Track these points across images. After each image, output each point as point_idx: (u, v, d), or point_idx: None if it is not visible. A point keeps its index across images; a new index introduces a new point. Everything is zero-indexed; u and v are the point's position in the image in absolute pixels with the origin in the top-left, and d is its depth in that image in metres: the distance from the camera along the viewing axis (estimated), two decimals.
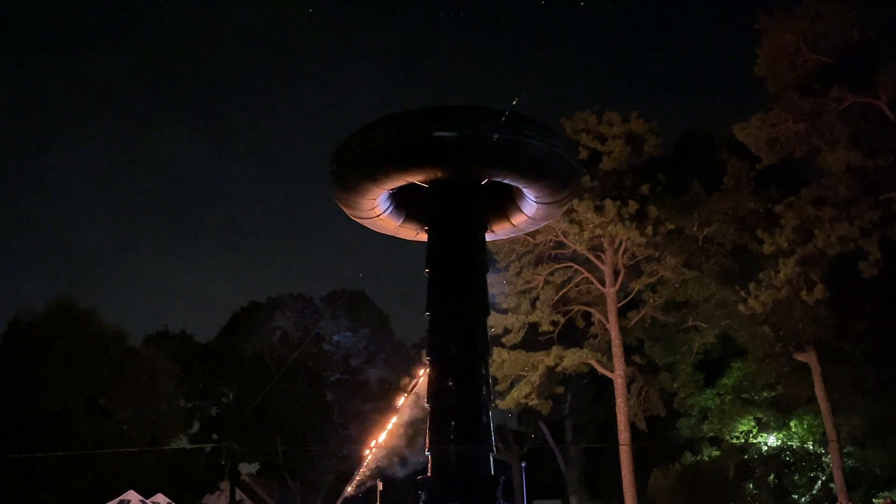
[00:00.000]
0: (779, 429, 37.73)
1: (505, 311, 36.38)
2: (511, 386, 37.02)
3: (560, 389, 40.68)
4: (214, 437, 53.31)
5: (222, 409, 58.45)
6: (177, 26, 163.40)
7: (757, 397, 37.70)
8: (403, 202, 16.91)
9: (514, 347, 36.11)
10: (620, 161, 34.95)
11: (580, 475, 53.92)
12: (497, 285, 35.48)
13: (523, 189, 16.34)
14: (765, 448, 38.25)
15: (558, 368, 36.34)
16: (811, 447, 37.32)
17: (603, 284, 35.98)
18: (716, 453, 38.86)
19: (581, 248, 34.82)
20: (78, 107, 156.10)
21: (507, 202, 17.07)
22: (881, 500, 34.93)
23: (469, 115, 14.98)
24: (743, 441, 38.27)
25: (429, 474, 15.01)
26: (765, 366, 36.43)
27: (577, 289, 37.18)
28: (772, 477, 37.75)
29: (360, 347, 61.37)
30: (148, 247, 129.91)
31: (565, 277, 36.66)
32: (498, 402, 36.22)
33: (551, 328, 36.54)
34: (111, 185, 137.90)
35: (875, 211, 27.51)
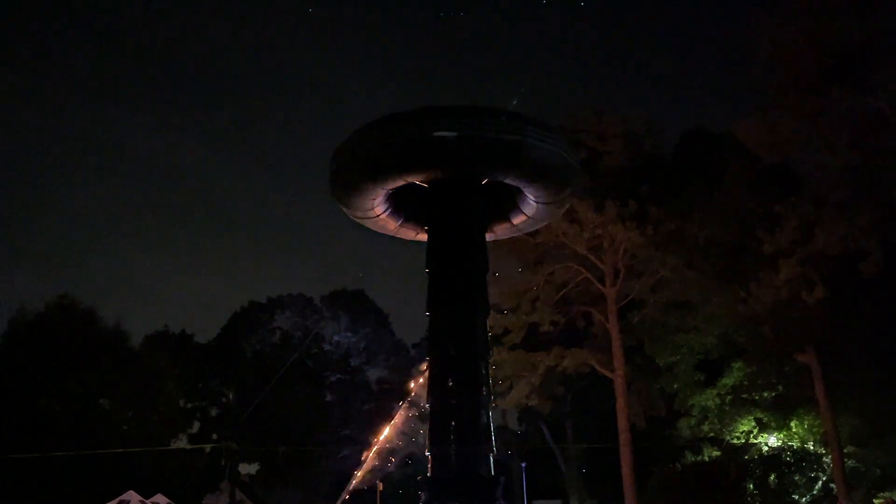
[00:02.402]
0: (779, 429, 37.73)
1: (505, 311, 36.38)
2: (511, 386, 37.04)
3: (560, 389, 40.70)
4: (214, 437, 53.35)
5: (222, 409, 58.51)
6: (176, 26, 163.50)
7: (757, 397, 37.69)
8: (403, 202, 16.89)
9: (514, 347, 36.12)
10: (620, 161, 34.97)
11: (580, 475, 53.94)
12: (497, 285, 35.51)
13: (523, 189, 16.33)
14: (765, 448, 38.26)
15: (558, 368, 36.35)
16: (811, 447, 37.32)
17: (603, 284, 35.98)
18: (716, 453, 38.87)
19: (581, 248, 34.82)
20: (78, 106, 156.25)
21: (507, 202, 17.05)
22: (881, 500, 34.94)
23: (469, 115, 14.96)
24: (743, 441, 38.27)
25: (429, 474, 15.01)
26: (765, 366, 36.43)
27: (577, 289, 37.17)
28: (772, 477, 37.75)
29: (360, 347, 61.50)
30: (147, 247, 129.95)
31: (565, 277, 36.66)
32: (498, 402, 36.22)
33: (551, 328, 36.55)
34: (110, 186, 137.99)
35: (875, 211, 27.50)
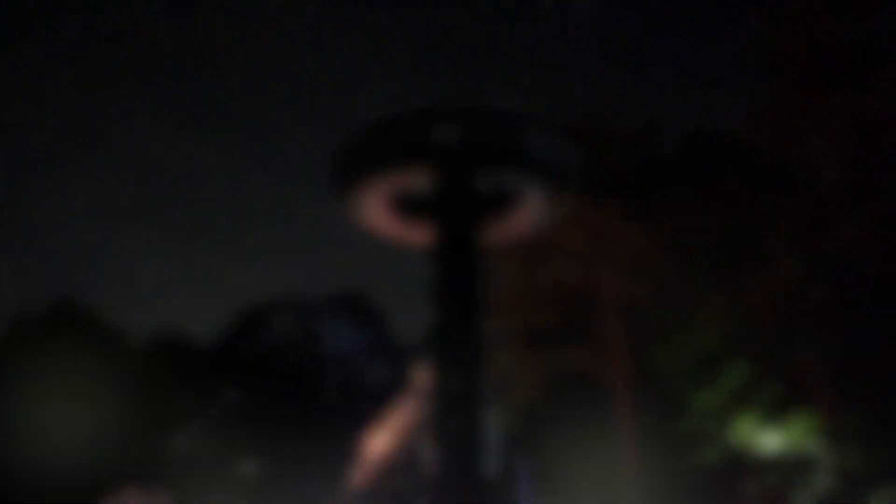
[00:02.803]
0: (779, 429, 37.69)
1: (505, 312, 36.34)
2: (511, 386, 36.99)
3: (560, 389, 40.63)
4: (214, 437, 53.34)
5: (222, 409, 58.43)
6: (176, 26, 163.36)
7: (757, 397, 37.65)
8: (403, 202, 16.92)
9: (514, 347, 36.09)
10: (620, 161, 34.96)
11: (580, 475, 53.83)
12: (497, 285, 35.46)
13: (523, 189, 16.37)
14: (765, 448, 38.21)
15: (558, 369, 36.31)
16: (811, 447, 37.28)
17: (603, 284, 35.95)
18: (716, 454, 38.81)
19: (581, 248, 34.79)
20: (77, 105, 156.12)
21: (507, 202, 17.09)
22: (881, 500, 34.91)
23: (469, 115, 14.99)
24: (743, 441, 38.21)
25: (428, 475, 15.03)
26: (765, 366, 36.39)
27: (577, 289, 37.12)
28: (772, 477, 37.71)
29: (360, 348, 61.44)
30: (148, 247, 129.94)
31: (565, 277, 36.62)
32: (498, 402, 36.17)
33: (551, 328, 36.50)
34: (110, 186, 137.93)
35: (875, 211, 27.50)
